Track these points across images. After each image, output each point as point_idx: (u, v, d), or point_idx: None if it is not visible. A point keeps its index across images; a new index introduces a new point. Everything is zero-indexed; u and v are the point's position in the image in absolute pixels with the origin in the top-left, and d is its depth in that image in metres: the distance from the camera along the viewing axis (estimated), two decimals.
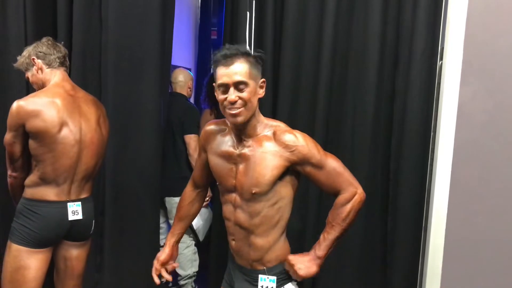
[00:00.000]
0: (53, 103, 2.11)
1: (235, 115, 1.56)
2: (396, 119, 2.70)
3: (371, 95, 2.70)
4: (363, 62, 2.70)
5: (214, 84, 1.64)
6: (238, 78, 1.56)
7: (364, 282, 2.81)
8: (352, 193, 1.61)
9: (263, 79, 1.66)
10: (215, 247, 3.13)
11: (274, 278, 1.60)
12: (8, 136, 2.11)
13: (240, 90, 1.57)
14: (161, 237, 3.32)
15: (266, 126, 1.65)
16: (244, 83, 1.57)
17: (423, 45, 2.56)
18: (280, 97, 2.81)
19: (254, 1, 2.75)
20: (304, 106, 2.78)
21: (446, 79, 1.33)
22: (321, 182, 1.63)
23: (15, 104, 2.07)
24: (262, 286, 1.60)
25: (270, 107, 2.80)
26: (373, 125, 2.72)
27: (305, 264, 1.61)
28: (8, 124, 2.09)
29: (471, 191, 1.44)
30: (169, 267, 1.88)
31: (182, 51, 4.64)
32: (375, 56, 2.67)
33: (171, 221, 3.38)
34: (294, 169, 1.61)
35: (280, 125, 1.66)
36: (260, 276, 1.62)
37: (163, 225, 3.42)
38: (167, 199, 3.30)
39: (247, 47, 2.69)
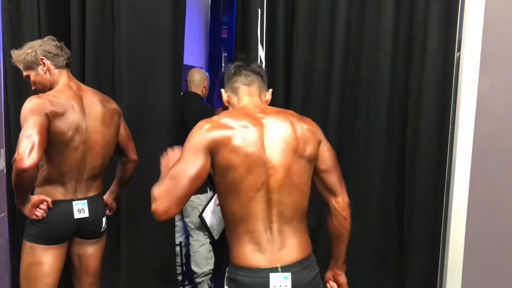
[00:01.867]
0: (72, 106, 2.12)
1: None
2: (411, 114, 2.67)
3: (385, 91, 2.68)
4: (377, 57, 2.68)
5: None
6: None
7: (380, 278, 2.79)
8: None
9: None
10: None
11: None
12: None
13: None
14: (177, 235, 3.33)
15: None
16: None
17: (438, 38, 2.53)
18: (292, 95, 2.80)
19: None
20: (317, 104, 2.77)
21: (465, 71, 1.31)
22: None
23: (39, 100, 2.02)
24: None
25: (283, 105, 2.79)
26: (387, 121, 2.70)
27: None
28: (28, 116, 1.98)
29: (491, 185, 1.42)
30: None
31: (193, 50, 4.65)
32: (389, 51, 2.64)
33: (186, 219, 3.39)
34: None
35: None
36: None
37: (178, 223, 3.43)
38: None
39: (258, 59, 2.77)
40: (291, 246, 1.57)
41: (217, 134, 1.56)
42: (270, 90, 1.82)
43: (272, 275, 1.52)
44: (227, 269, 1.66)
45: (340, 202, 1.66)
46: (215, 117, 1.65)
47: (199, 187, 1.55)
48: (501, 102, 1.32)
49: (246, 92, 1.75)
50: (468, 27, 1.29)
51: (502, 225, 1.41)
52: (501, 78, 1.31)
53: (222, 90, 1.82)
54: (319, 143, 1.65)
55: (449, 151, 1.56)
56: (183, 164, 1.54)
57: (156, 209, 1.54)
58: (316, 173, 1.67)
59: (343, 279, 1.82)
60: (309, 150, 1.60)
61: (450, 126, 1.57)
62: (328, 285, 1.81)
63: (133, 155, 2.47)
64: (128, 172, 2.50)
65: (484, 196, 1.40)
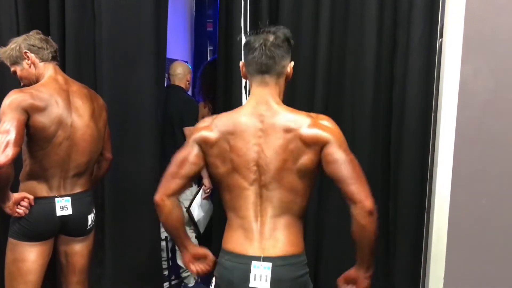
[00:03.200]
0: (55, 101, 2.08)
1: None
2: (395, 104, 2.68)
3: (369, 81, 2.68)
4: (361, 47, 2.67)
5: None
6: None
7: None
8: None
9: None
10: (216, 239, 3.11)
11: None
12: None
13: None
14: (161, 229, 3.30)
15: None
16: None
17: (422, 26, 2.54)
18: None
19: None
20: (302, 95, 2.75)
21: (447, 57, 1.30)
22: None
23: (18, 95, 1.98)
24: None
25: None
26: (372, 111, 2.70)
27: None
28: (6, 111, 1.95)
29: (474, 173, 1.41)
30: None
31: (178, 44, 4.62)
32: (373, 41, 2.64)
33: None
34: None
35: None
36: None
37: None
38: None
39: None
40: (279, 240, 1.56)
41: (204, 135, 1.60)
42: (291, 63, 1.64)
43: (254, 263, 1.53)
44: None
45: (358, 210, 1.48)
46: (211, 118, 1.66)
47: (194, 173, 1.63)
48: (483, 89, 1.31)
49: (259, 81, 1.60)
50: (449, 14, 1.28)
51: (485, 213, 1.40)
52: (483, 65, 1.31)
53: (241, 63, 1.68)
54: (319, 152, 1.53)
55: (432, 139, 1.56)
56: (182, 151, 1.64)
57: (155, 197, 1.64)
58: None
59: (365, 284, 1.64)
60: (302, 161, 1.53)
61: (433, 114, 1.57)
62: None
63: (108, 154, 2.44)
64: (102, 170, 2.46)
65: (467, 184, 1.39)
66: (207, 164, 1.63)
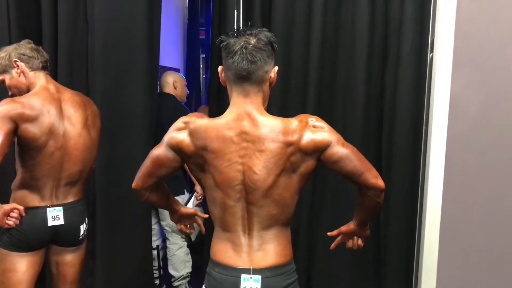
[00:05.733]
0: (47, 110, 2.06)
1: None
2: (386, 115, 2.70)
3: (360, 92, 2.70)
4: (352, 58, 2.70)
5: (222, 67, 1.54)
6: None
7: (358, 278, 2.81)
8: None
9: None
10: (208, 247, 3.11)
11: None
12: None
13: None
14: (154, 238, 3.29)
15: None
16: None
17: (412, 39, 2.57)
18: (269, 96, 2.79)
19: None
20: (294, 104, 2.77)
21: (437, 71, 1.32)
22: None
23: (9, 104, 1.98)
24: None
25: None
26: (363, 122, 2.72)
27: None
28: None
29: (465, 184, 1.43)
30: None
31: (171, 52, 4.61)
32: (364, 52, 2.67)
33: (163, 223, 3.36)
34: None
35: None
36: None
37: (155, 226, 3.40)
38: None
39: None
40: (268, 251, 1.55)
41: (178, 139, 1.53)
42: (275, 68, 1.51)
43: (243, 276, 1.52)
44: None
45: (372, 192, 1.50)
46: (193, 118, 1.53)
47: (168, 173, 1.61)
48: (473, 103, 1.33)
49: (240, 90, 1.48)
50: (440, 28, 1.29)
51: (476, 225, 1.42)
52: (473, 79, 1.32)
53: (220, 68, 1.55)
54: (319, 156, 1.48)
55: (423, 151, 1.57)
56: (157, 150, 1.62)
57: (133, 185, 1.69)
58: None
59: (368, 233, 1.75)
60: (301, 170, 1.49)
61: (424, 127, 1.58)
62: (349, 242, 1.79)
63: (93, 164, 2.39)
64: None
65: (458, 196, 1.40)
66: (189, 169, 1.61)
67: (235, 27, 2.73)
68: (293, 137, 1.44)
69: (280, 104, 2.77)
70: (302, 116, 1.50)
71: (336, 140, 1.47)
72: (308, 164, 1.49)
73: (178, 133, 1.53)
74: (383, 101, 2.71)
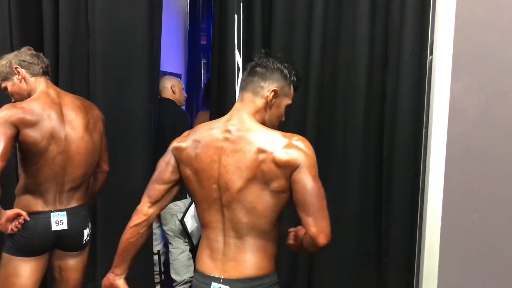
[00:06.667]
0: (48, 115, 2.07)
1: None
2: (387, 119, 2.70)
3: (361, 96, 2.70)
4: (353, 62, 2.70)
5: (288, 102, 1.64)
6: None
7: (359, 283, 2.79)
8: None
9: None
10: None
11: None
12: None
13: None
14: (155, 243, 3.28)
15: None
16: None
17: (413, 42, 2.57)
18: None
19: (242, 4, 2.74)
20: (295, 109, 2.76)
21: (437, 74, 1.31)
22: None
23: (9, 110, 1.99)
24: None
25: None
26: (364, 126, 2.71)
27: None
28: None
29: (466, 188, 1.42)
30: None
31: (172, 57, 4.62)
32: (364, 57, 2.67)
33: (165, 227, 3.36)
34: None
35: None
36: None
37: (156, 231, 3.40)
38: None
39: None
40: (241, 261, 1.53)
41: (176, 144, 1.62)
42: (271, 89, 1.57)
43: (213, 284, 1.53)
44: None
45: (308, 240, 1.47)
46: (191, 129, 1.68)
47: (171, 179, 1.62)
48: (473, 106, 1.33)
49: (240, 97, 1.62)
50: (439, 31, 1.29)
51: (477, 228, 1.41)
52: (472, 82, 1.32)
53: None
54: (290, 175, 1.46)
55: (423, 155, 1.57)
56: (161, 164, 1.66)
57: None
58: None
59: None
60: (273, 183, 1.47)
61: (424, 130, 1.58)
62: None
63: (105, 166, 2.41)
64: (98, 183, 2.43)
65: (459, 200, 1.40)
66: (181, 174, 1.62)
67: (236, 33, 2.74)
68: (269, 147, 1.46)
69: None
70: (290, 134, 1.52)
71: (308, 167, 1.45)
72: (281, 181, 1.46)
73: (179, 138, 1.65)
74: (384, 105, 2.71)
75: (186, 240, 3.36)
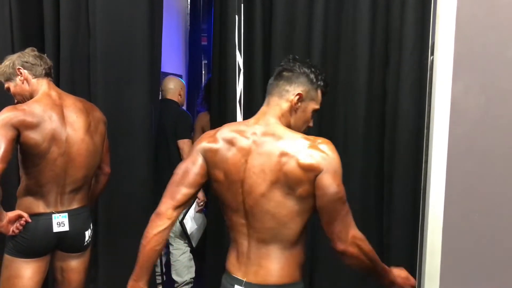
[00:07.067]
0: (49, 117, 2.08)
1: None
2: (388, 119, 2.70)
3: (362, 96, 2.70)
4: (354, 62, 2.70)
5: (314, 107, 1.62)
6: None
7: (360, 282, 2.79)
8: None
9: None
10: (210, 253, 3.10)
11: None
12: None
13: None
14: None
15: None
16: None
17: (413, 42, 2.56)
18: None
19: (242, 5, 2.74)
20: None
21: (438, 75, 1.31)
22: None
23: (10, 112, 2.00)
24: None
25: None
26: (365, 126, 2.71)
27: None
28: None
29: (467, 188, 1.42)
30: None
31: (173, 58, 4.63)
32: (365, 57, 2.67)
33: None
34: None
35: None
36: None
37: None
38: None
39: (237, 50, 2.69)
40: (264, 267, 1.52)
41: (207, 145, 1.56)
42: (296, 92, 1.55)
43: (236, 287, 1.54)
44: None
45: (332, 246, 1.48)
46: (215, 130, 1.62)
47: (196, 181, 1.56)
48: (474, 106, 1.32)
49: (266, 101, 1.60)
50: (440, 31, 1.29)
51: (478, 229, 1.40)
52: (473, 81, 1.32)
53: None
54: (314, 179, 1.43)
55: (424, 155, 1.56)
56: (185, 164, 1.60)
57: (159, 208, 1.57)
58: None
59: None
60: (298, 187, 1.44)
61: (425, 131, 1.57)
62: None
63: (107, 168, 2.42)
64: (100, 184, 2.44)
65: (460, 200, 1.40)
66: (209, 176, 1.57)
67: (236, 34, 2.74)
68: (292, 149, 1.44)
69: None
70: (313, 137, 1.50)
71: (333, 173, 1.43)
72: (305, 186, 1.43)
73: (206, 139, 1.59)
74: (385, 104, 2.71)
75: (187, 241, 3.37)
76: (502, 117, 1.30)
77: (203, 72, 5.06)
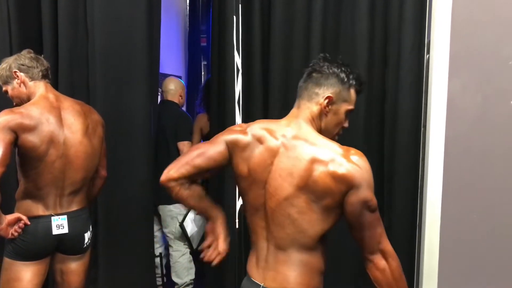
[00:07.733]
0: (46, 119, 2.07)
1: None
2: (387, 118, 2.69)
3: (361, 96, 2.68)
4: (352, 62, 2.68)
5: (348, 108, 1.55)
6: None
7: (360, 282, 2.78)
8: None
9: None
10: None
11: None
12: None
13: None
14: (156, 246, 3.28)
15: None
16: None
17: (412, 41, 2.56)
18: (270, 101, 2.79)
19: (240, 5, 2.74)
20: None
21: (434, 73, 1.31)
22: None
23: (7, 115, 2.00)
24: None
25: (261, 112, 2.78)
26: (364, 125, 2.71)
27: None
28: None
29: (464, 186, 1.42)
30: None
31: (172, 59, 4.63)
32: (364, 56, 2.66)
33: (165, 230, 3.35)
34: None
35: None
36: None
37: (157, 233, 3.39)
38: (161, 207, 3.27)
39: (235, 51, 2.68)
40: (281, 273, 1.49)
41: (235, 136, 1.54)
42: (325, 95, 1.49)
43: None
44: None
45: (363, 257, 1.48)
46: (246, 124, 1.59)
47: (208, 167, 1.55)
48: (471, 104, 1.32)
49: (296, 104, 1.55)
50: (436, 30, 1.29)
51: (476, 227, 1.41)
52: (470, 80, 1.32)
53: None
54: (343, 195, 1.38)
55: (421, 154, 1.56)
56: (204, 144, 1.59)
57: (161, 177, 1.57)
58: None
59: None
60: (325, 196, 1.39)
61: (422, 129, 1.57)
62: None
63: (103, 171, 2.41)
64: (95, 188, 2.43)
65: (457, 198, 1.40)
66: (233, 170, 1.55)
67: (234, 35, 2.74)
68: (325, 157, 1.39)
69: (280, 111, 2.76)
70: (346, 147, 1.43)
71: (366, 187, 1.39)
72: (334, 196, 1.39)
73: (237, 132, 1.55)
74: (384, 103, 2.70)
75: (187, 243, 3.36)
76: (498, 114, 1.30)
77: (203, 73, 5.06)
